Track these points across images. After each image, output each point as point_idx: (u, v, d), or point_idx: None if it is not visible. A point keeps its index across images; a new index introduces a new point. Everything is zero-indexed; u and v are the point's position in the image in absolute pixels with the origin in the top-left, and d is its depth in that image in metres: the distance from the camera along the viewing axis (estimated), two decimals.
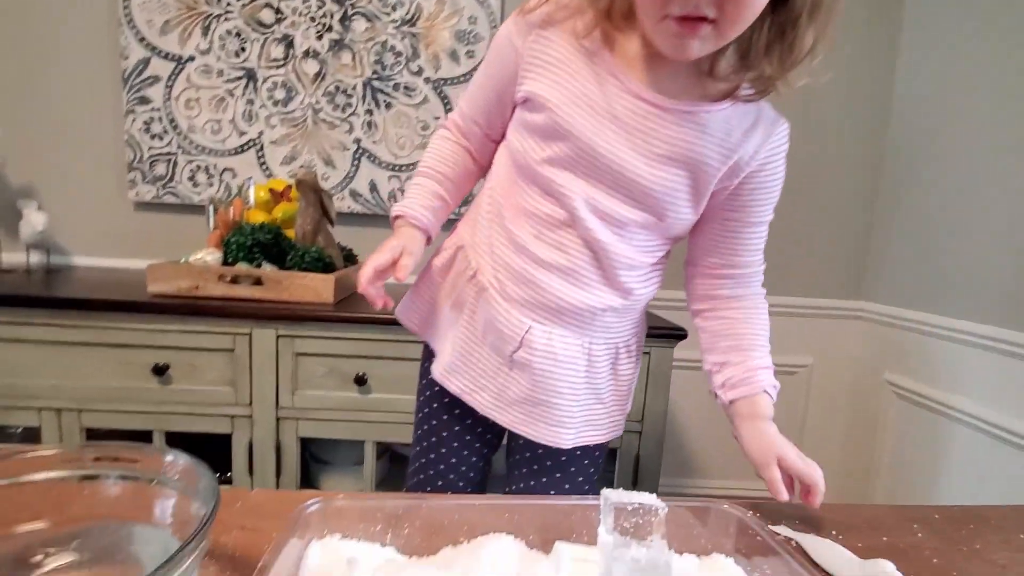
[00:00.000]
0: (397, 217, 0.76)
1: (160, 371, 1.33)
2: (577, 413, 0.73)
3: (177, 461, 0.44)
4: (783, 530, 0.62)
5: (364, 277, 0.68)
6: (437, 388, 0.79)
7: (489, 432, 0.82)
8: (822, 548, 0.56)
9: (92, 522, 0.47)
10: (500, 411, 0.74)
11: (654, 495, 0.50)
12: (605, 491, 0.50)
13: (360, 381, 1.35)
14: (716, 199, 0.68)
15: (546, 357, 0.70)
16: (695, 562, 0.52)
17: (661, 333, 1.35)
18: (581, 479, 0.78)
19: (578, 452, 0.79)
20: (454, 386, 0.76)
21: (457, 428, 0.80)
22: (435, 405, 0.82)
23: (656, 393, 1.39)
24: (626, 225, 0.66)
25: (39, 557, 0.43)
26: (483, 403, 0.74)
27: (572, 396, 0.72)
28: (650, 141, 0.62)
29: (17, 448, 0.46)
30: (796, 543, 0.59)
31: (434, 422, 0.82)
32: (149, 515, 0.45)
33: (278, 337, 1.33)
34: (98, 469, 0.46)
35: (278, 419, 1.37)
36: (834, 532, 0.62)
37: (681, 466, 1.99)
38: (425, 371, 0.83)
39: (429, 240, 0.77)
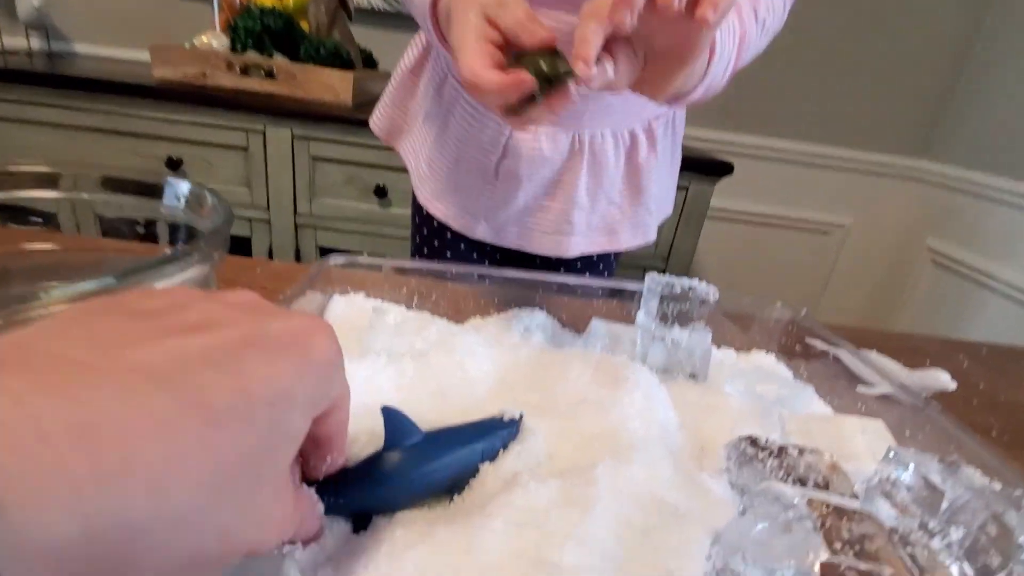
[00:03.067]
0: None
1: (174, 164, 1.27)
2: (580, 218, 0.64)
3: (184, 189, 0.39)
4: (820, 344, 0.59)
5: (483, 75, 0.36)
6: (426, 211, 0.70)
7: (488, 256, 0.74)
8: (862, 358, 0.53)
9: (103, 254, 0.44)
10: (492, 232, 0.66)
11: (704, 283, 0.45)
12: (651, 274, 0.46)
13: (380, 193, 1.29)
14: None
15: (533, 161, 0.60)
16: (733, 355, 0.49)
17: (702, 166, 1.25)
18: None
19: (593, 260, 0.70)
20: (439, 211, 0.68)
21: (450, 255, 0.74)
22: (425, 231, 0.73)
23: (687, 232, 1.33)
24: None
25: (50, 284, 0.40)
26: (471, 226, 0.67)
27: (570, 199, 0.63)
28: None
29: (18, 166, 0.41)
30: (834, 356, 0.56)
31: (425, 250, 0.75)
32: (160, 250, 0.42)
33: (293, 138, 1.25)
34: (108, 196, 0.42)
35: (297, 226, 1.35)
36: (875, 352, 0.59)
37: None
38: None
39: None
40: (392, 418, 0.27)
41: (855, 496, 0.29)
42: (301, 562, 0.23)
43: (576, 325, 0.49)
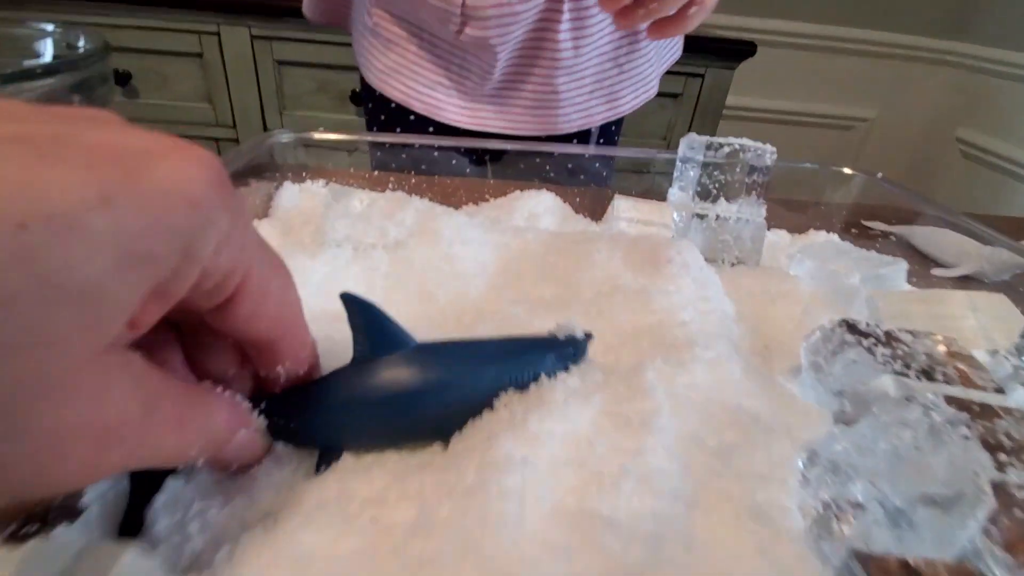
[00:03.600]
0: None
1: (122, 80, 1.13)
2: (567, 83, 0.53)
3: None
4: (878, 225, 0.50)
5: None
6: (379, 94, 0.58)
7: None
8: (936, 237, 0.44)
9: None
10: (464, 112, 0.55)
11: (759, 143, 0.36)
12: (689, 136, 0.36)
13: (357, 99, 1.15)
14: None
15: (502, 21, 0.47)
16: (787, 237, 0.40)
17: (720, 47, 1.10)
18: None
19: (589, 139, 0.58)
20: (396, 91, 0.56)
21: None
22: (382, 119, 0.60)
23: (702, 128, 1.21)
24: None
25: None
26: (438, 105, 0.54)
27: (553, 59, 0.51)
28: None
29: None
30: (895, 236, 0.47)
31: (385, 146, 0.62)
32: None
33: (252, 39, 1.09)
34: None
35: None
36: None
37: None
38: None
39: None
40: (362, 313, 0.19)
41: (1000, 391, 0.21)
42: (216, 525, 0.16)
43: (592, 211, 0.39)
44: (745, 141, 0.35)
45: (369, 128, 0.62)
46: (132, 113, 1.16)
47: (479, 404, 0.19)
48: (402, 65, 0.54)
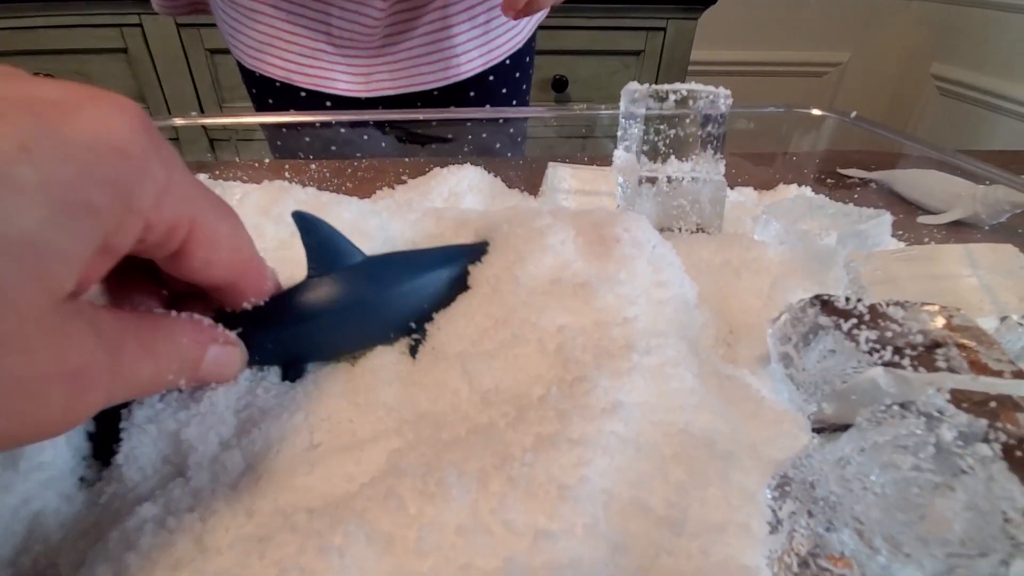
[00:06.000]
0: None
1: None
2: (460, 18, 0.48)
3: None
4: (855, 172, 0.45)
5: None
6: (259, 76, 0.52)
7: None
8: (922, 180, 0.40)
9: None
10: (357, 80, 0.49)
11: (711, 87, 0.31)
12: (630, 84, 0.31)
13: None
14: None
15: None
16: (753, 195, 0.35)
17: None
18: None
19: (489, 84, 0.53)
20: (274, 68, 0.50)
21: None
22: (271, 102, 0.54)
23: (668, 83, 1.14)
24: None
25: None
26: (327, 77, 0.49)
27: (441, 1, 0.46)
28: None
29: None
30: (875, 182, 0.42)
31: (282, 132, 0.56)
32: None
33: (179, 27, 1.01)
34: None
35: (211, 141, 1.14)
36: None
37: None
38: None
39: None
40: (313, 231, 0.19)
41: (1020, 372, 0.16)
42: (190, 438, 0.16)
43: (531, 183, 0.34)
44: (695, 86, 0.29)
45: (257, 111, 0.56)
46: None
47: (425, 308, 0.21)
48: (274, 36, 0.48)
